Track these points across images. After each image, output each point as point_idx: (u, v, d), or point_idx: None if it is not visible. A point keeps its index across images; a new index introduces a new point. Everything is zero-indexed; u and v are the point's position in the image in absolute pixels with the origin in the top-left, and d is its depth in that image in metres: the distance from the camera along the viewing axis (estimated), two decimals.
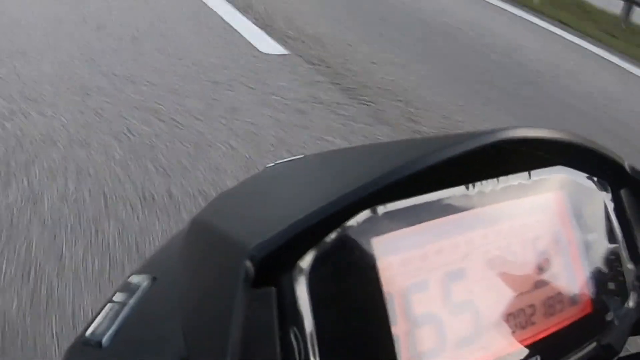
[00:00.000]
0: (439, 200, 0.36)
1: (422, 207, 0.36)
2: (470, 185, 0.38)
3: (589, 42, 7.15)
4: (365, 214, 0.33)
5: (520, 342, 0.39)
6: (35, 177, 2.25)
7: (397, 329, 0.34)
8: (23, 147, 2.44)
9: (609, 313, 0.44)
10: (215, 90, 3.33)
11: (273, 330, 0.30)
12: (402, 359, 0.34)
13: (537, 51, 5.95)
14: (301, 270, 0.31)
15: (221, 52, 3.87)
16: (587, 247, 0.43)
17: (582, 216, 0.44)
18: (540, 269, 0.41)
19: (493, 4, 7.65)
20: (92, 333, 0.34)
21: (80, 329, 0.36)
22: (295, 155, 0.44)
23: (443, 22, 6.01)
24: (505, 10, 7.54)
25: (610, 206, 0.45)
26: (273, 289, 0.31)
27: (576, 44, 6.94)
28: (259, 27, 4.43)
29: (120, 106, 2.93)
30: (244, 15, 4.60)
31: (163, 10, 4.45)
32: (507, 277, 0.39)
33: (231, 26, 4.35)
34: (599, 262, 0.44)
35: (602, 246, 0.45)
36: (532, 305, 0.40)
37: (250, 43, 4.09)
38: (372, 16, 5.58)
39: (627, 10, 8.65)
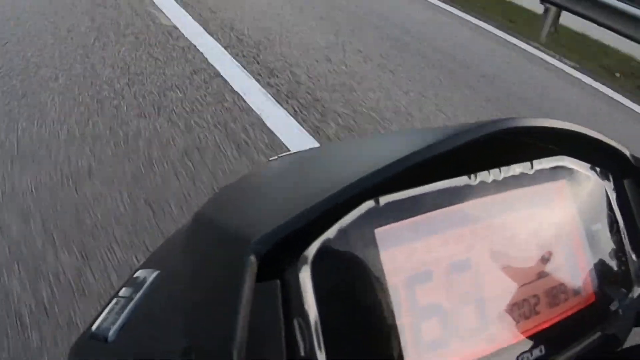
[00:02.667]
0: (441, 191, 0.37)
1: (425, 197, 0.36)
2: (473, 176, 0.38)
3: None
4: (368, 205, 0.33)
5: (525, 332, 0.39)
6: None
7: (402, 320, 0.34)
8: None
9: (613, 303, 0.44)
10: None
11: (278, 323, 0.30)
12: (407, 350, 0.34)
13: None
14: (305, 262, 0.31)
15: None
16: (590, 237, 0.43)
17: (585, 206, 0.44)
18: (544, 259, 0.41)
19: None
20: (98, 327, 0.34)
21: None
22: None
23: None
24: None
25: (613, 196, 0.45)
26: (277, 281, 0.31)
27: None
28: None
29: None
30: None
31: None
32: (511, 268, 0.39)
33: None
34: (602, 252, 0.44)
35: (605, 236, 0.45)
36: (536, 296, 0.40)
37: None
38: None
39: None
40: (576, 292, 0.42)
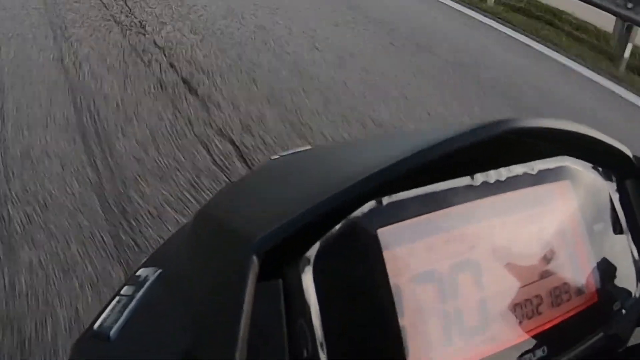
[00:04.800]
0: (444, 191, 0.36)
1: (428, 197, 0.36)
2: (475, 176, 0.38)
3: None
4: (370, 205, 0.33)
5: (527, 332, 0.39)
6: None
7: (404, 320, 0.34)
8: None
9: (616, 303, 0.44)
10: None
11: (280, 322, 0.30)
12: (409, 350, 0.34)
13: None
14: (307, 262, 0.31)
15: None
16: (593, 237, 0.43)
17: (588, 206, 0.43)
18: (546, 259, 0.40)
19: None
20: (100, 326, 0.34)
21: None
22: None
23: None
24: None
25: (616, 197, 0.45)
26: (280, 281, 0.31)
27: None
28: None
29: None
30: None
31: None
32: (513, 268, 0.39)
33: None
34: (605, 252, 0.44)
35: (608, 236, 0.44)
36: (538, 296, 0.40)
37: None
38: None
39: None
40: (579, 292, 0.42)
